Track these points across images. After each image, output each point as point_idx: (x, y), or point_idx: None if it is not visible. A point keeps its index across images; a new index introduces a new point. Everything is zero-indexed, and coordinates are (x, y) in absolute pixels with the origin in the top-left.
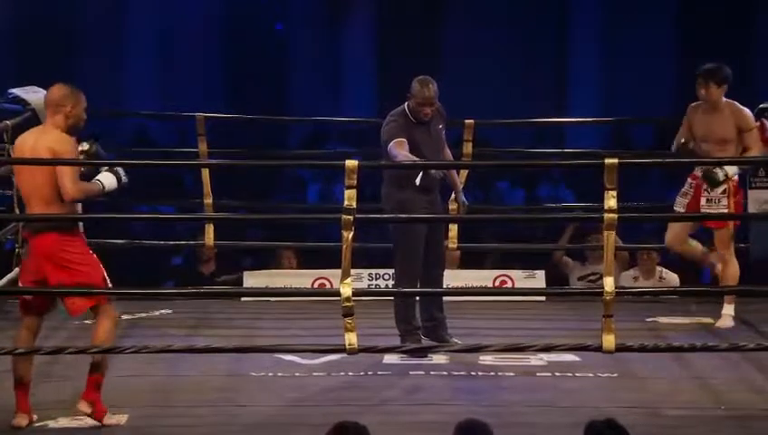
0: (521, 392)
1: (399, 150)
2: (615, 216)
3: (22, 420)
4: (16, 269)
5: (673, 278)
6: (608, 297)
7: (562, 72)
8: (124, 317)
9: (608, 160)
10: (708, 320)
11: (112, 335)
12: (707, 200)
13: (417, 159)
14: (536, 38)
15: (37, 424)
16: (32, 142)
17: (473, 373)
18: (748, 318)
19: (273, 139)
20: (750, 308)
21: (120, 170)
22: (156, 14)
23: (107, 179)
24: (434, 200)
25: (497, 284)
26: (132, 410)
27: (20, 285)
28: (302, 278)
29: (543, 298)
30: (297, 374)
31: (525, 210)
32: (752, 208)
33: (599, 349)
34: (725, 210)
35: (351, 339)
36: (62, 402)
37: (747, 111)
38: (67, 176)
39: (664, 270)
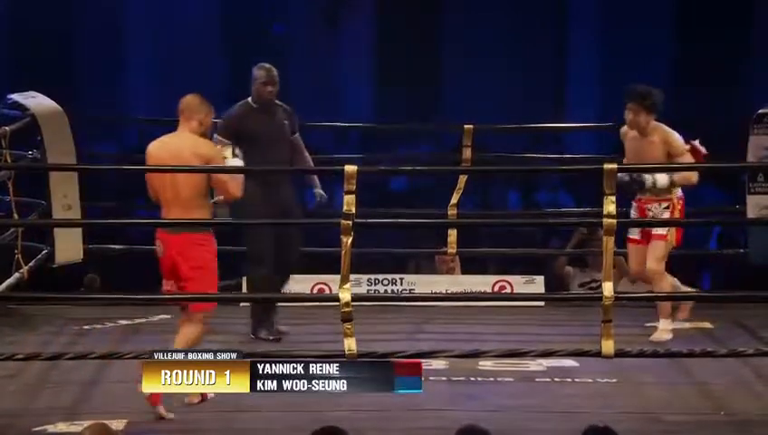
0: (520, 398)
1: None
2: (614, 221)
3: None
4: (16, 274)
5: None
6: (607, 302)
7: (562, 73)
8: (123, 322)
9: (607, 166)
10: (707, 325)
11: (198, 342)
12: (653, 217)
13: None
14: (536, 38)
15: (36, 429)
16: (173, 149)
17: (472, 379)
18: (747, 323)
19: None
20: (748, 314)
21: (238, 152)
22: (155, 15)
23: (239, 165)
24: (277, 193)
25: (496, 289)
26: (132, 416)
27: (163, 288)
28: (301, 283)
29: (543, 303)
30: None
31: (524, 215)
32: (751, 214)
33: (598, 354)
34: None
35: (350, 344)
36: (61, 408)
37: (677, 135)
38: (228, 178)
39: None
